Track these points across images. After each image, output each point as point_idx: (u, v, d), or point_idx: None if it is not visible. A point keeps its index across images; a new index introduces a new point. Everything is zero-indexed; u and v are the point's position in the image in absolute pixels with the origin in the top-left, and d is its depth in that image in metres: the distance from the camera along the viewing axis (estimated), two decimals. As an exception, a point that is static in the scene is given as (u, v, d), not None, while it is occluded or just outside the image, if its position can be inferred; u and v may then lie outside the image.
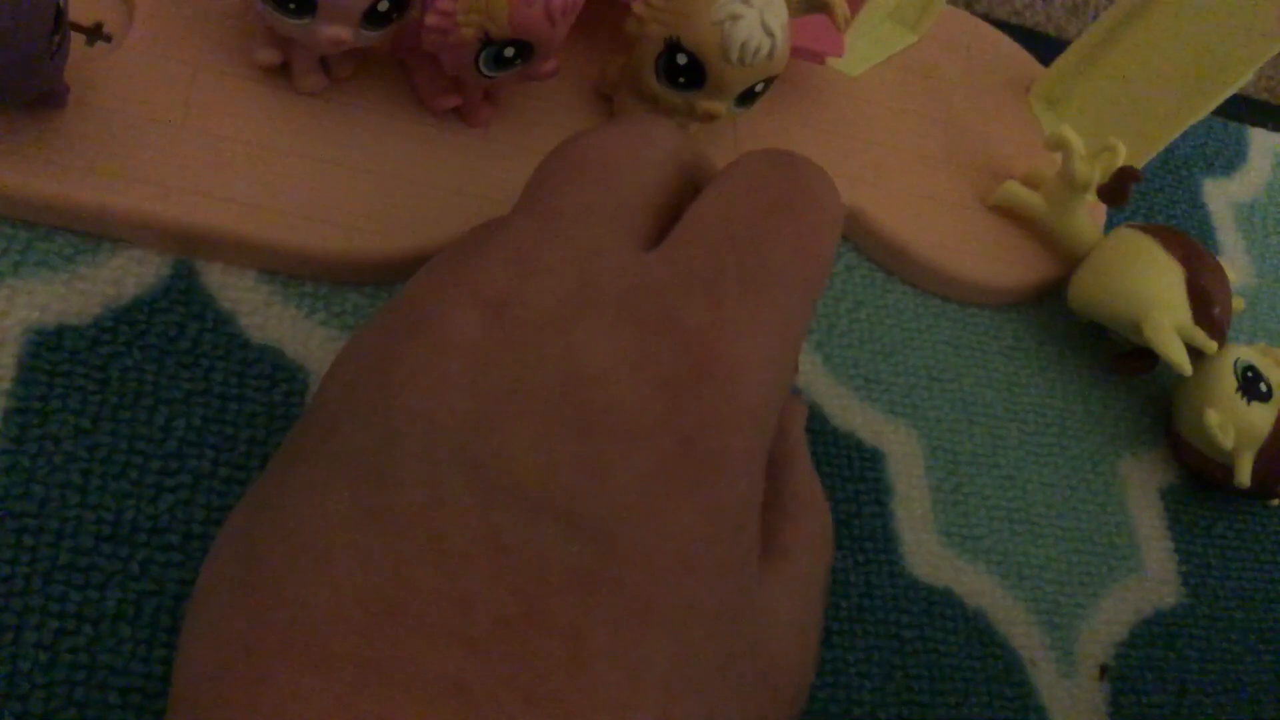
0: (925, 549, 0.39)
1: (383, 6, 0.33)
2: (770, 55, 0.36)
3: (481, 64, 0.35)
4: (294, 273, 0.35)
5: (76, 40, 0.35)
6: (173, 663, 0.28)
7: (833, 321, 0.42)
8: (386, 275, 0.36)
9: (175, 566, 0.30)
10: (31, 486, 0.29)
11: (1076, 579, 0.41)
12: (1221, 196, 0.56)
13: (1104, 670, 0.39)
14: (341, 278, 0.35)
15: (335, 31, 0.33)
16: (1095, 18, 0.60)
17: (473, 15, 0.33)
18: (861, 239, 0.44)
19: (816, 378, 0.40)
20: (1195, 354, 0.42)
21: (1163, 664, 0.40)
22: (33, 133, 0.32)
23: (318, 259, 0.35)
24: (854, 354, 0.42)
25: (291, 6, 0.32)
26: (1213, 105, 0.47)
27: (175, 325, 0.33)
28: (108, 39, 0.36)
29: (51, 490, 0.29)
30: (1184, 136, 0.49)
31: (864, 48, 0.47)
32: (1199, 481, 0.45)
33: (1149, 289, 0.42)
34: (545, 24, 0.34)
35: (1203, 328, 0.42)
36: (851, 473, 0.39)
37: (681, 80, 0.37)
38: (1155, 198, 0.53)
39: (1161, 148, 0.48)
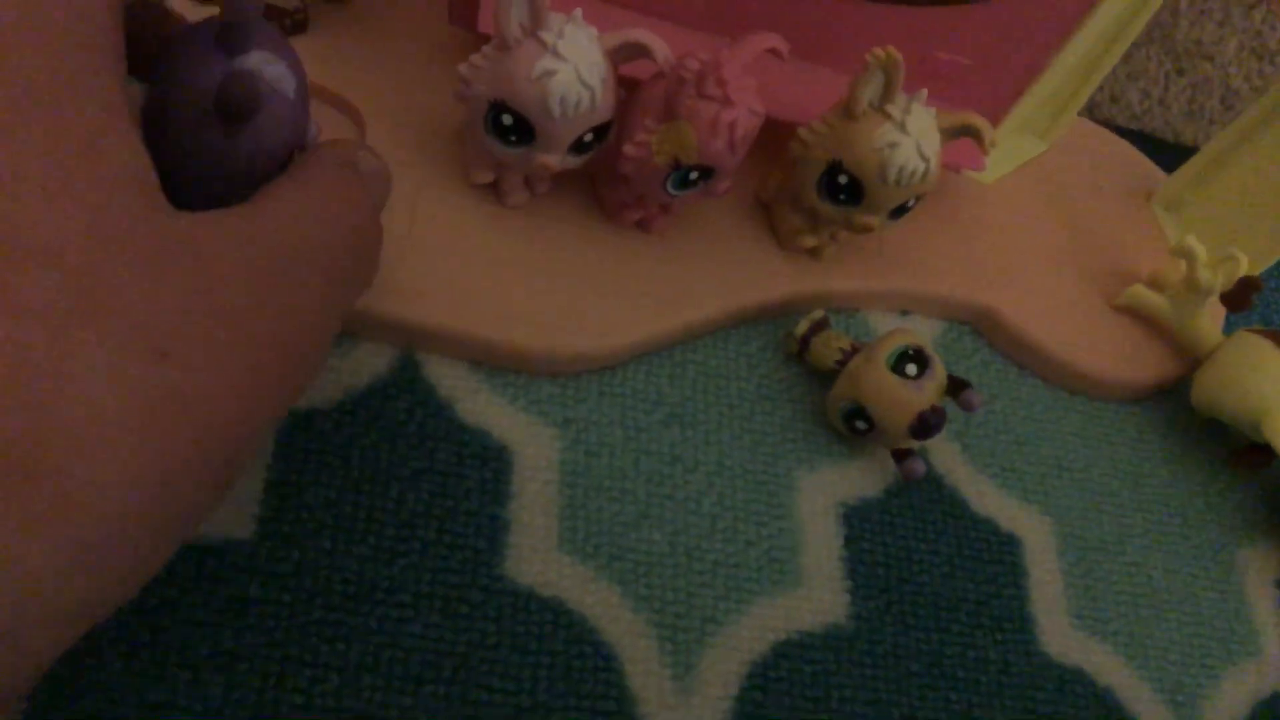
0: (1058, 630, 0.42)
1: (587, 138, 0.38)
2: (924, 177, 0.40)
3: (668, 185, 0.39)
4: (499, 365, 0.40)
5: (314, 157, 0.41)
6: (408, 708, 0.33)
7: (972, 413, 0.45)
8: (576, 367, 0.41)
9: (408, 622, 0.34)
10: (290, 551, 0.34)
11: (1198, 660, 0.44)
12: (1335, 295, 0.58)
13: (1230, 749, 0.42)
14: (538, 370, 0.40)
15: (548, 158, 0.38)
16: (1211, 122, 0.63)
17: (666, 145, 0.38)
18: (995, 336, 0.48)
19: (956, 465, 0.44)
20: (1313, 452, 0.45)
21: (1285, 745, 0.43)
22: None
23: (519, 354, 0.39)
24: (990, 444, 0.45)
25: (512, 138, 0.37)
26: (1330, 216, 0.50)
27: (404, 410, 0.38)
28: (342, 157, 0.41)
29: (306, 554, 0.34)
30: (1299, 238, 0.52)
31: (997, 157, 0.51)
32: (1316, 572, 0.47)
33: (1268, 390, 0.45)
34: (728, 152, 0.38)
35: (1321, 428, 0.45)
36: (990, 555, 0.42)
37: (841, 197, 0.42)
38: (1272, 297, 0.56)
39: (1280, 254, 0.51)
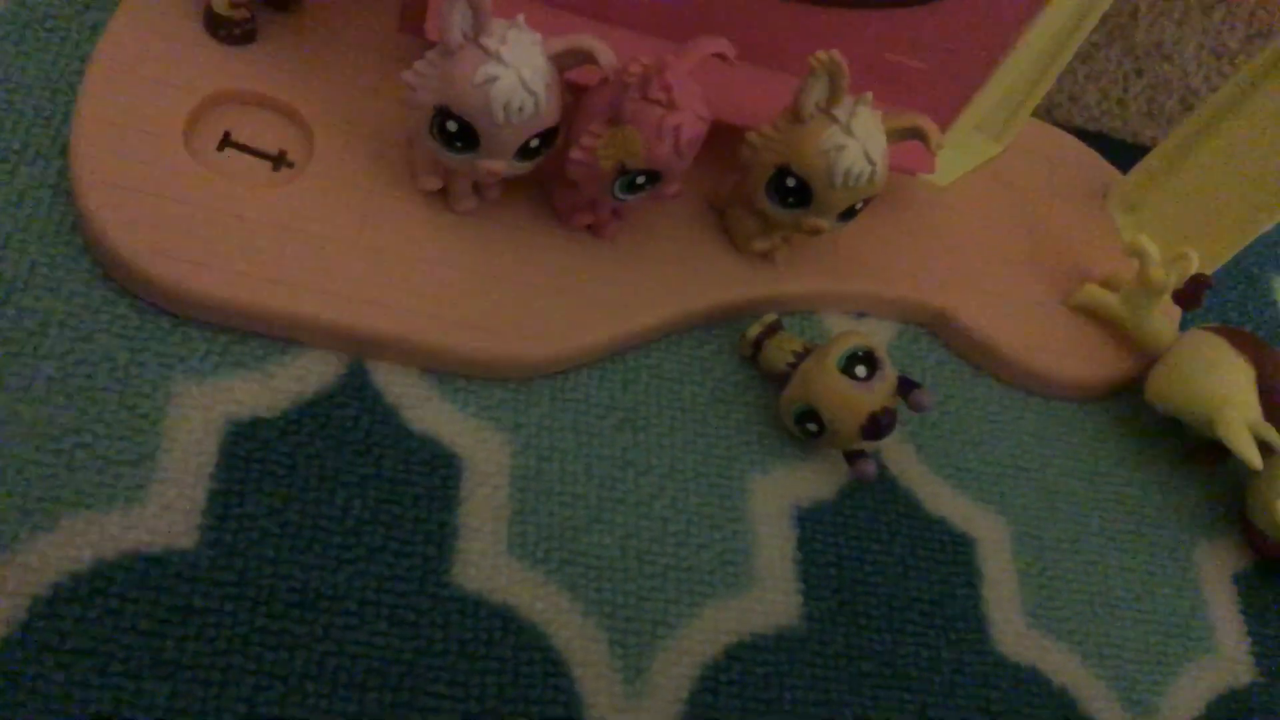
0: (1012, 629, 0.42)
1: (533, 143, 0.38)
2: (871, 179, 0.41)
3: (616, 189, 0.39)
4: (449, 371, 0.40)
5: (263, 165, 0.41)
6: (353, 715, 0.33)
7: (924, 413, 0.45)
8: (528, 373, 0.41)
9: (353, 629, 0.34)
10: (233, 559, 0.34)
11: (1154, 658, 0.44)
12: (1293, 293, 0.59)
13: (1181, 746, 0.42)
14: (490, 375, 0.40)
15: (492, 164, 0.38)
16: (1169, 122, 0.63)
17: (612, 150, 0.38)
18: (950, 337, 0.48)
19: (909, 466, 0.44)
20: (1266, 448, 0.45)
21: (1238, 741, 0.43)
22: (230, 246, 0.37)
23: (469, 360, 0.39)
24: (944, 444, 0.45)
25: (458, 144, 0.37)
26: (1282, 215, 0.50)
27: (351, 418, 0.38)
28: (291, 165, 0.41)
29: (250, 562, 0.34)
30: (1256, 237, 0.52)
31: (952, 158, 0.51)
32: (1270, 568, 0.48)
33: (1222, 387, 0.45)
34: (674, 156, 0.38)
35: (1272, 424, 0.45)
36: (944, 556, 0.42)
37: (790, 200, 0.42)
38: (1227, 295, 0.56)
39: (1234, 253, 0.51)
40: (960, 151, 0.52)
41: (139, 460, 0.35)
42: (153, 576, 0.33)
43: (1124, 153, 0.58)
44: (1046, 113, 0.60)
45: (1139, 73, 0.64)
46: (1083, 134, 0.59)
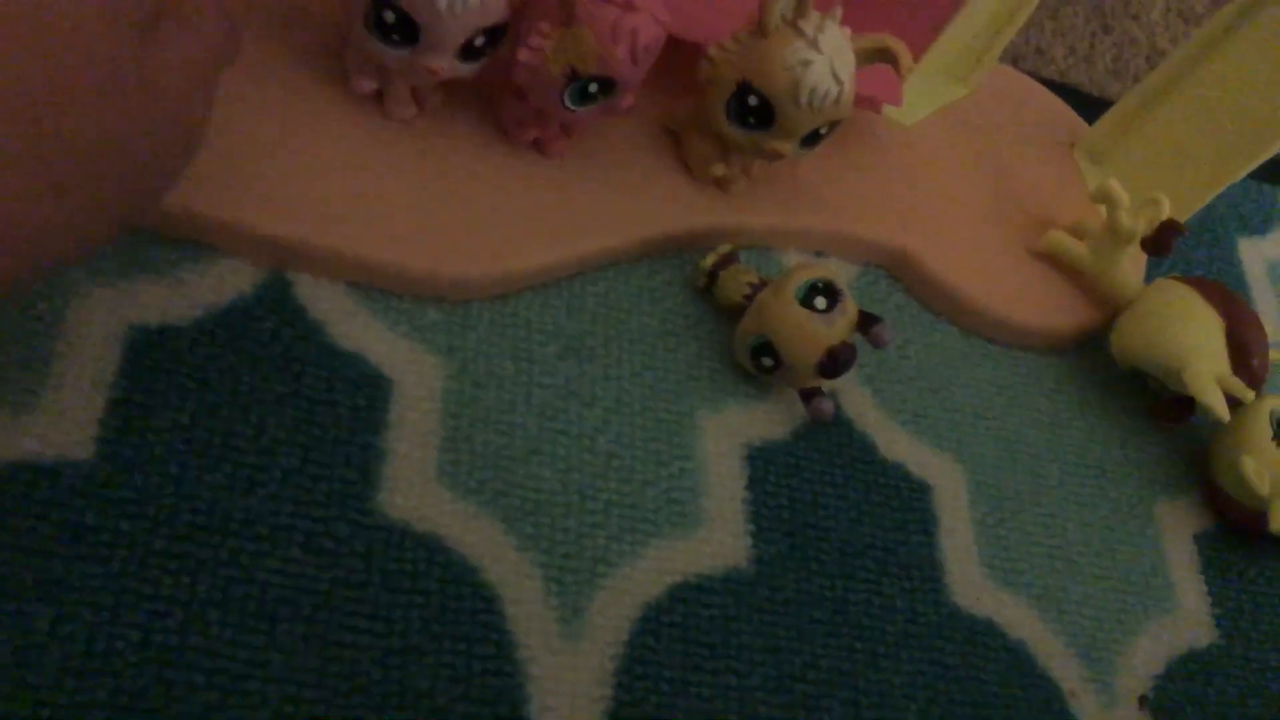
0: (968, 580, 0.40)
1: (478, 41, 0.35)
2: (837, 101, 0.38)
3: (566, 98, 0.37)
4: (379, 287, 0.37)
5: (183, 62, 0.37)
6: (259, 647, 0.30)
7: (882, 357, 0.43)
8: (464, 293, 0.38)
9: (264, 556, 0.31)
10: (132, 476, 0.31)
11: (1113, 615, 0.42)
12: (1256, 254, 0.57)
13: (1143, 701, 0.40)
14: (423, 293, 0.37)
15: (433, 62, 0.35)
16: (1136, 81, 0.62)
17: (562, 52, 0.35)
18: (911, 280, 0.46)
19: (866, 410, 0.42)
20: (1232, 403, 0.44)
21: (1202, 699, 0.41)
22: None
23: (401, 275, 0.36)
24: (902, 389, 0.43)
25: (395, 37, 0.34)
26: (1250, 167, 0.48)
27: (269, 331, 0.35)
28: (213, 61, 0.38)
29: (150, 480, 0.31)
30: (1220, 196, 0.51)
31: (918, 98, 0.49)
32: (1232, 527, 0.46)
33: (1190, 338, 0.44)
34: (629, 62, 0.36)
35: (1241, 377, 0.43)
36: (899, 502, 0.40)
37: (751, 120, 0.39)
38: (1192, 254, 0.55)
39: (1200, 206, 0.50)
40: (926, 91, 0.50)
41: (32, 363, 0.31)
42: (41, 489, 0.30)
43: (1091, 106, 0.57)
44: (1013, 63, 0.58)
45: (1106, 29, 0.63)
46: (1050, 86, 0.57)
